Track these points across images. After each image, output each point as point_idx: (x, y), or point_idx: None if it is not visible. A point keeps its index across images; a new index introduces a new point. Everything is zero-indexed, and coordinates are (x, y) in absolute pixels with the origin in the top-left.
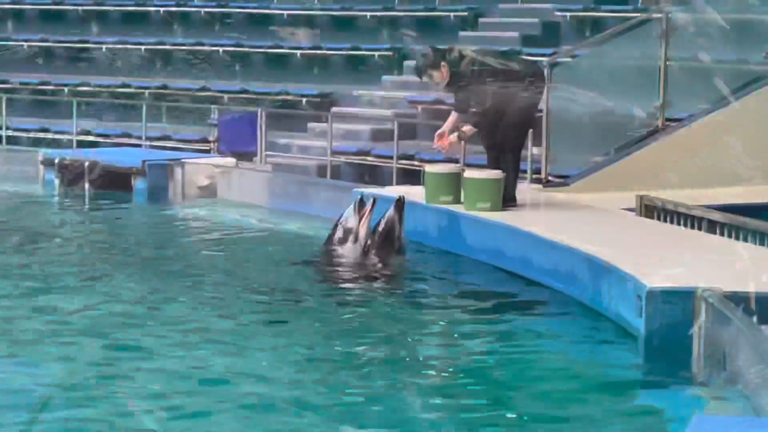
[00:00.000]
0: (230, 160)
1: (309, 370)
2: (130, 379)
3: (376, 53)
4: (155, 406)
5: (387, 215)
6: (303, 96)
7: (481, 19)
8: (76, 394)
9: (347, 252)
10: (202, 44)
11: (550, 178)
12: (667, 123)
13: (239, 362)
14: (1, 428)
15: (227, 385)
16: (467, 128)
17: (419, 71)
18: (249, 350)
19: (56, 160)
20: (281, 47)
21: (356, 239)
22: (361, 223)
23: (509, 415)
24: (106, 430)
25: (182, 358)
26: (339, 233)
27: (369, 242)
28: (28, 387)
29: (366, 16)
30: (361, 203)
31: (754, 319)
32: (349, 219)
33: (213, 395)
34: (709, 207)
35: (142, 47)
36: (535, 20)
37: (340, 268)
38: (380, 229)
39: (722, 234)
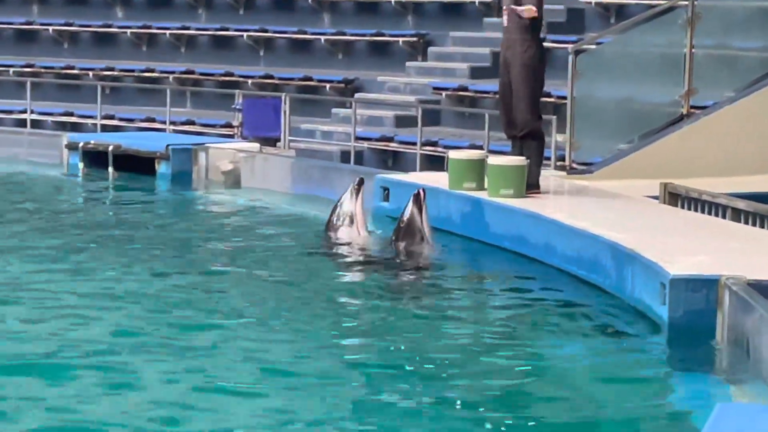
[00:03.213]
0: (254, 145)
1: (326, 359)
2: (139, 358)
3: (401, 39)
4: (163, 387)
5: (407, 207)
6: (327, 82)
7: None
8: (92, 370)
9: (345, 234)
10: (227, 29)
11: (573, 165)
12: (692, 110)
13: (254, 350)
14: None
15: (239, 372)
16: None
17: None
18: (266, 336)
19: (80, 144)
20: (305, 33)
21: (352, 221)
22: (356, 204)
23: (530, 400)
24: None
25: (194, 341)
26: (336, 217)
27: (393, 236)
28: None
29: (390, 1)
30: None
31: None
32: (345, 202)
33: (223, 380)
34: (733, 195)
35: (167, 32)
36: (560, 7)
37: (361, 257)
38: (402, 221)
39: (746, 222)
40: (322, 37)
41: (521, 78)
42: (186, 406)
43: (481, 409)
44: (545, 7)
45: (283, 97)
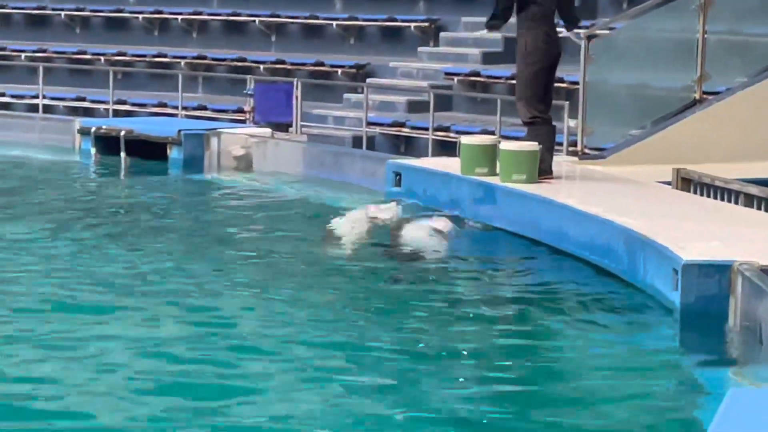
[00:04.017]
0: (266, 131)
1: (328, 343)
2: (148, 338)
3: (413, 24)
4: (174, 370)
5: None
6: (339, 67)
7: None
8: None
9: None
10: (239, 14)
11: (586, 150)
12: (705, 96)
13: (262, 331)
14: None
15: (247, 354)
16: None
17: None
18: (272, 318)
19: (92, 129)
20: (317, 18)
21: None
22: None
23: (540, 385)
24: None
25: (204, 323)
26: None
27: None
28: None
29: None
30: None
31: None
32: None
33: (233, 362)
34: (746, 181)
35: (179, 17)
36: None
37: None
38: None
39: (759, 208)
40: (334, 23)
41: (518, 65)
42: (200, 386)
43: (490, 392)
44: None
45: (294, 83)
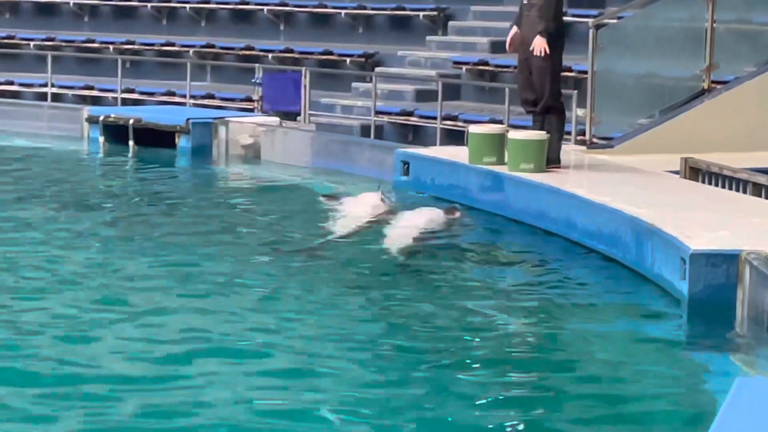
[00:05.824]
0: (274, 120)
1: (331, 335)
2: (154, 328)
3: (421, 13)
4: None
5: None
6: (347, 56)
7: None
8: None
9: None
10: (247, 3)
11: (594, 139)
12: (713, 85)
13: (266, 320)
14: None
15: (248, 344)
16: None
17: None
18: (277, 306)
19: (101, 118)
20: (326, 6)
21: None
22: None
23: (548, 375)
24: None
25: (211, 312)
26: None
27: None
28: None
29: None
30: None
31: None
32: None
33: (236, 352)
34: (754, 170)
35: (187, 6)
36: None
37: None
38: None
39: (767, 197)
40: (343, 11)
41: (541, 55)
42: (202, 373)
43: (498, 381)
44: None
45: (303, 72)
